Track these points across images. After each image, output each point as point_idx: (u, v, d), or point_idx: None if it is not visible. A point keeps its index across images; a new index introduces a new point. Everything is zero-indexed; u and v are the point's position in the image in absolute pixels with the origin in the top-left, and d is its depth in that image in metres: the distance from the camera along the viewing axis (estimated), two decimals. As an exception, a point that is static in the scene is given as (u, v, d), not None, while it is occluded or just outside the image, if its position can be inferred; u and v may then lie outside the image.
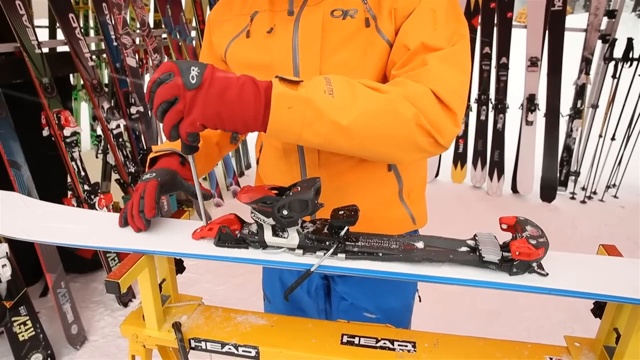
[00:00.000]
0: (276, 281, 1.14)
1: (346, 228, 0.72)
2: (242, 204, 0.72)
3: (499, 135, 3.79)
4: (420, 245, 0.72)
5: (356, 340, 0.80)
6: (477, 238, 0.71)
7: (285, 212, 0.70)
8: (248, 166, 4.38)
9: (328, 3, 0.83)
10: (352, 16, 0.81)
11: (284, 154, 0.93)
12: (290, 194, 0.70)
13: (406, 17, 0.79)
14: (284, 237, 0.74)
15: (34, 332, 1.87)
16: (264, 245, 0.76)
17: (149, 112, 2.85)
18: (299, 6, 0.84)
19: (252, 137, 4.02)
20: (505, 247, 0.69)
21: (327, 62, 0.83)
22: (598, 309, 0.79)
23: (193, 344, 0.83)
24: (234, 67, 0.96)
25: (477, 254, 0.69)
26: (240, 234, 0.77)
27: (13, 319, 1.81)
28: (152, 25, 3.19)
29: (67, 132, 2.12)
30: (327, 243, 0.73)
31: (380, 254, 0.72)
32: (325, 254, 0.72)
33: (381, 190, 0.95)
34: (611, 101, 3.57)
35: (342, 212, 0.72)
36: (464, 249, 0.71)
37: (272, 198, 0.71)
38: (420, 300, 1.12)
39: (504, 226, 0.70)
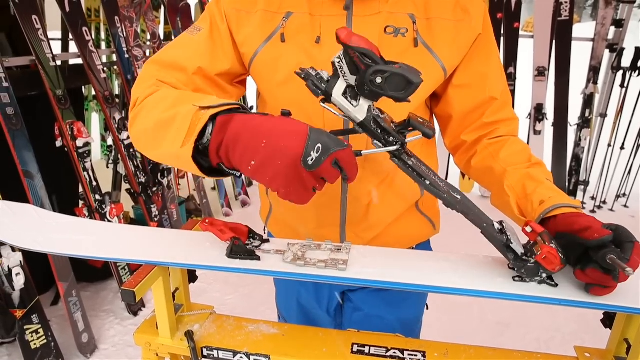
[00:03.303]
0: (293, 301, 1.12)
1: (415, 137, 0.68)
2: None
3: (507, 145, 3.78)
4: (459, 197, 0.70)
5: (366, 350, 0.81)
6: (504, 224, 0.69)
7: (378, 80, 0.60)
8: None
9: (381, 18, 0.82)
10: (403, 35, 0.82)
11: None
12: (394, 67, 0.61)
13: (467, 52, 0.86)
14: (352, 104, 0.64)
15: (45, 341, 1.89)
16: (327, 97, 0.64)
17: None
18: (345, 15, 0.81)
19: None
20: (525, 245, 0.68)
21: None
22: (608, 320, 0.79)
23: (205, 352, 0.84)
24: (261, 74, 0.86)
25: (505, 237, 0.67)
26: (252, 245, 0.78)
27: (25, 327, 1.83)
28: (162, 37, 3.24)
29: (79, 142, 2.15)
30: (391, 139, 0.67)
31: (428, 182, 0.69)
32: (379, 148, 0.67)
33: (405, 200, 0.96)
34: (619, 110, 3.56)
35: (422, 119, 0.68)
36: (496, 225, 0.69)
37: (377, 58, 0.60)
38: (427, 308, 1.12)
39: (529, 229, 0.68)
